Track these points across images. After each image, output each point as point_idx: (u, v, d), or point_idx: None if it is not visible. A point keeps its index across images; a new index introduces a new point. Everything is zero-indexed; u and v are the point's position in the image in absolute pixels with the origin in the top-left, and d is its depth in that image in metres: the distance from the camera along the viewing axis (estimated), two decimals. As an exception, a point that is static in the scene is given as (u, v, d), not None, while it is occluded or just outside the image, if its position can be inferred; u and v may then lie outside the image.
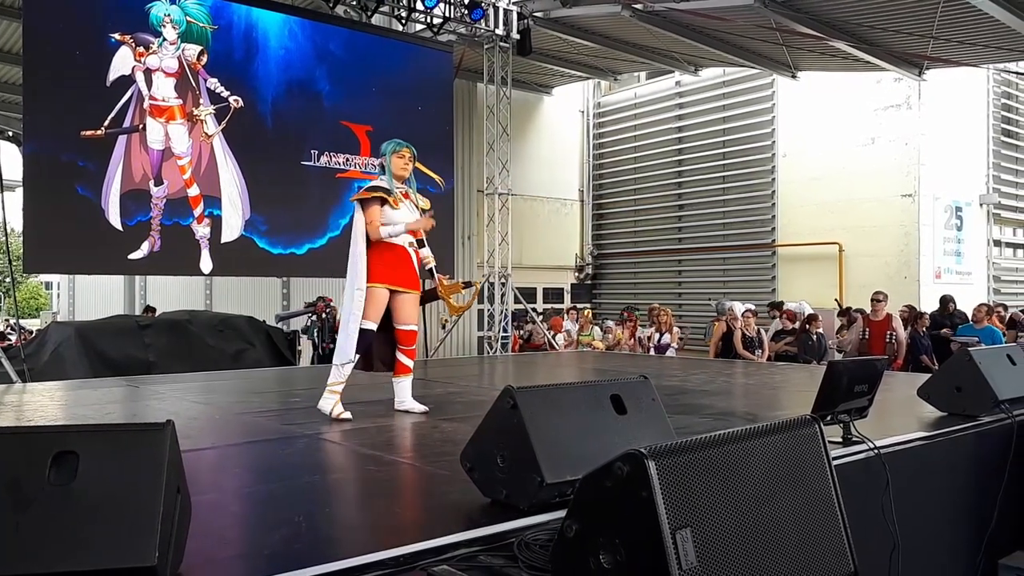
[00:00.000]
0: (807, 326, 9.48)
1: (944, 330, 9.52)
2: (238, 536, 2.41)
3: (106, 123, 7.99)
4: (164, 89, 8.38)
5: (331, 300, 11.19)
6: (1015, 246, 14.80)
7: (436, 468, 3.17)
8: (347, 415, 4.35)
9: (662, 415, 2.66)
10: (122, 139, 8.11)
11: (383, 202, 4.47)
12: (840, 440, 3.38)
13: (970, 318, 9.45)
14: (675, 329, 10.62)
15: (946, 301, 10.05)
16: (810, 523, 1.66)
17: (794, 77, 12.96)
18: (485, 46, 11.84)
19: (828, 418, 3.33)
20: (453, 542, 2.10)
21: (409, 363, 4.63)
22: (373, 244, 4.47)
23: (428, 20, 10.83)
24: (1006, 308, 9.83)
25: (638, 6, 10.28)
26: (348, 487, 3.00)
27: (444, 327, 12.67)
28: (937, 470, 3.77)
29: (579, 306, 13.71)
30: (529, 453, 2.30)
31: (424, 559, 2.00)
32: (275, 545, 2.22)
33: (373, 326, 4.45)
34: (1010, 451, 3.99)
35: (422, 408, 4.59)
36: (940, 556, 3.75)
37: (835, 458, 3.12)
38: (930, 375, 4.91)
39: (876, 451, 3.26)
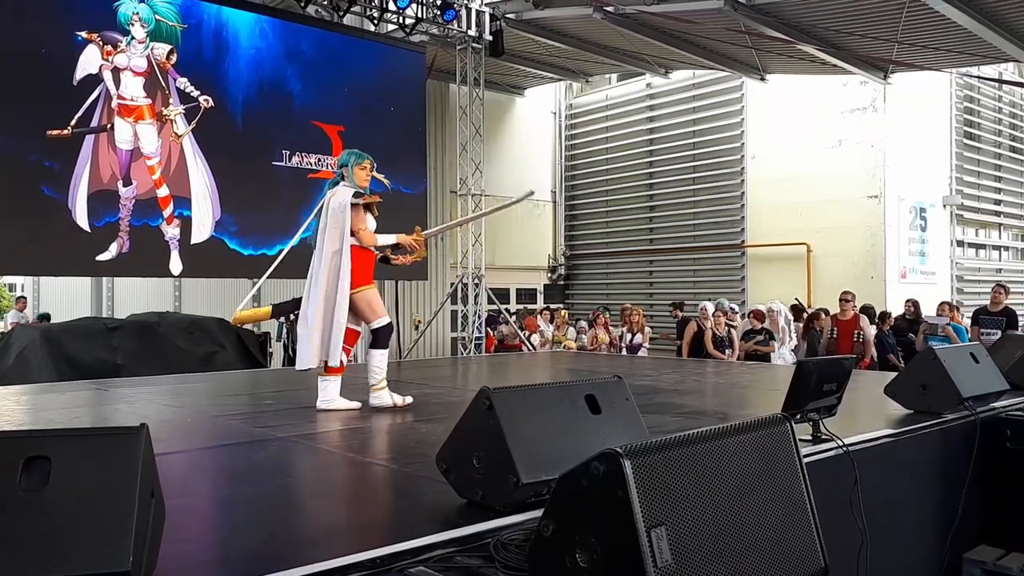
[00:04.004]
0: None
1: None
2: (214, 539, 2.40)
3: (73, 122, 7.88)
4: (133, 88, 8.27)
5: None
6: (976, 246, 15.13)
7: (411, 469, 3.17)
8: (409, 399, 4.72)
9: (636, 414, 2.69)
10: (89, 139, 8.00)
11: (367, 208, 4.73)
12: (809, 438, 3.43)
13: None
14: (646, 329, 10.70)
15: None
16: (782, 520, 1.70)
17: (763, 80, 13.12)
18: (458, 47, 11.84)
19: (798, 416, 3.38)
20: (429, 543, 2.11)
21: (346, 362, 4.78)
22: (355, 250, 4.62)
23: (400, 21, 10.80)
24: (957, 308, 10.03)
25: (609, 9, 10.34)
26: (323, 489, 2.99)
27: (417, 328, 12.65)
28: (904, 467, 3.84)
29: (553, 307, 13.76)
30: (505, 454, 2.32)
31: (401, 560, 2.00)
32: (252, 548, 2.21)
33: (389, 319, 4.80)
34: (974, 447, 4.07)
35: (355, 404, 4.67)
36: (907, 551, 3.82)
37: (804, 456, 3.19)
38: (897, 374, 5.00)
39: (844, 449, 3.32)
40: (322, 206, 4.77)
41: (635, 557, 1.42)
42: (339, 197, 4.66)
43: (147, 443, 1.79)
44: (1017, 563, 3.90)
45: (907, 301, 10.44)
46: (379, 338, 4.72)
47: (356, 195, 4.65)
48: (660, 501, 1.47)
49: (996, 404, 4.47)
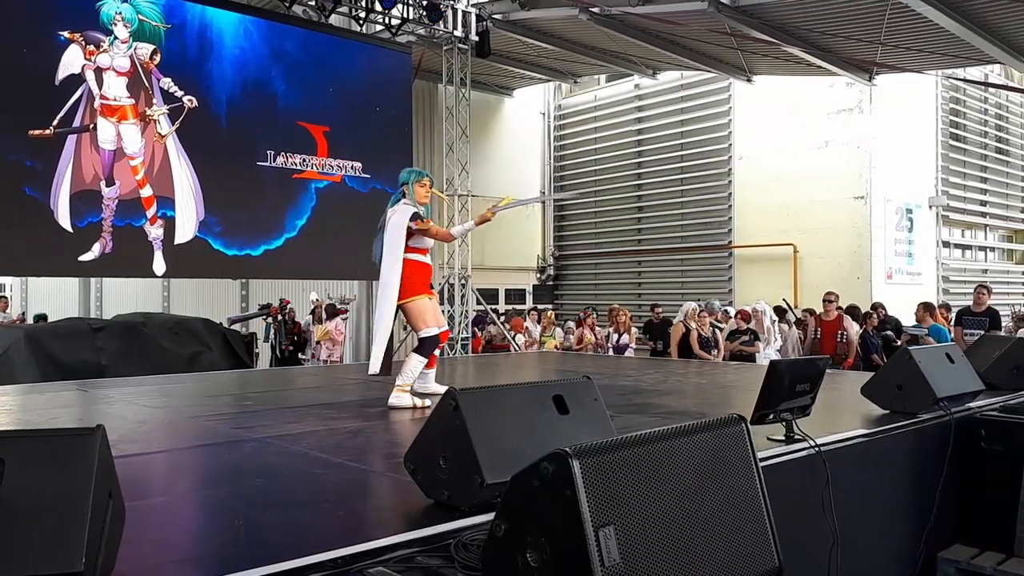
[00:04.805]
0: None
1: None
2: (180, 540, 2.39)
3: (55, 122, 7.84)
4: (116, 88, 8.24)
5: (289, 302, 11.08)
6: (963, 247, 15.21)
7: (383, 470, 3.17)
8: (427, 402, 4.63)
9: (604, 415, 2.70)
10: (72, 139, 7.96)
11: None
12: (783, 438, 3.44)
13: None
14: (633, 329, 10.72)
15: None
16: (735, 519, 1.70)
17: (749, 81, 13.16)
18: (444, 47, 11.83)
19: (771, 416, 3.39)
20: (391, 543, 2.11)
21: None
22: (412, 263, 4.84)
23: (386, 21, 10.79)
24: (948, 308, 10.07)
25: (594, 9, 10.35)
26: (293, 490, 2.98)
27: (405, 328, 12.62)
28: (878, 467, 3.86)
29: (541, 307, 13.77)
30: (470, 454, 2.32)
31: (361, 561, 2.00)
32: (215, 549, 2.22)
33: (438, 330, 4.96)
34: (948, 447, 4.10)
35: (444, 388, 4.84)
36: (880, 550, 3.84)
37: (777, 456, 3.21)
38: (873, 374, 5.03)
39: (817, 449, 3.34)
40: (383, 223, 5.00)
41: (583, 557, 1.42)
42: (399, 216, 4.88)
43: (103, 444, 1.79)
44: (991, 562, 3.92)
45: (872, 306, 10.49)
46: (423, 347, 4.92)
47: (414, 217, 4.84)
48: (609, 501, 1.48)
49: (971, 404, 4.50)
